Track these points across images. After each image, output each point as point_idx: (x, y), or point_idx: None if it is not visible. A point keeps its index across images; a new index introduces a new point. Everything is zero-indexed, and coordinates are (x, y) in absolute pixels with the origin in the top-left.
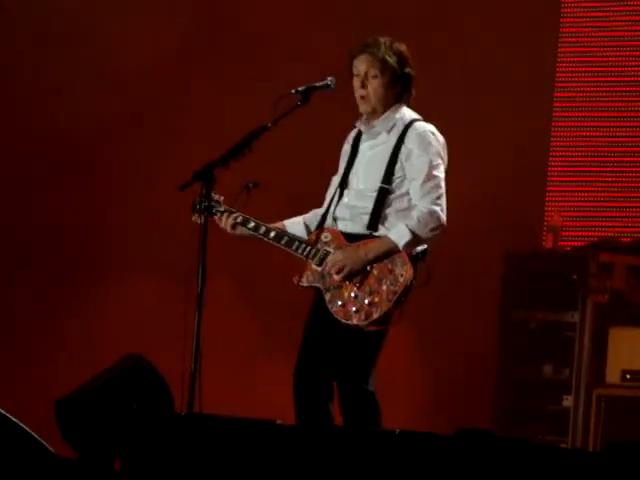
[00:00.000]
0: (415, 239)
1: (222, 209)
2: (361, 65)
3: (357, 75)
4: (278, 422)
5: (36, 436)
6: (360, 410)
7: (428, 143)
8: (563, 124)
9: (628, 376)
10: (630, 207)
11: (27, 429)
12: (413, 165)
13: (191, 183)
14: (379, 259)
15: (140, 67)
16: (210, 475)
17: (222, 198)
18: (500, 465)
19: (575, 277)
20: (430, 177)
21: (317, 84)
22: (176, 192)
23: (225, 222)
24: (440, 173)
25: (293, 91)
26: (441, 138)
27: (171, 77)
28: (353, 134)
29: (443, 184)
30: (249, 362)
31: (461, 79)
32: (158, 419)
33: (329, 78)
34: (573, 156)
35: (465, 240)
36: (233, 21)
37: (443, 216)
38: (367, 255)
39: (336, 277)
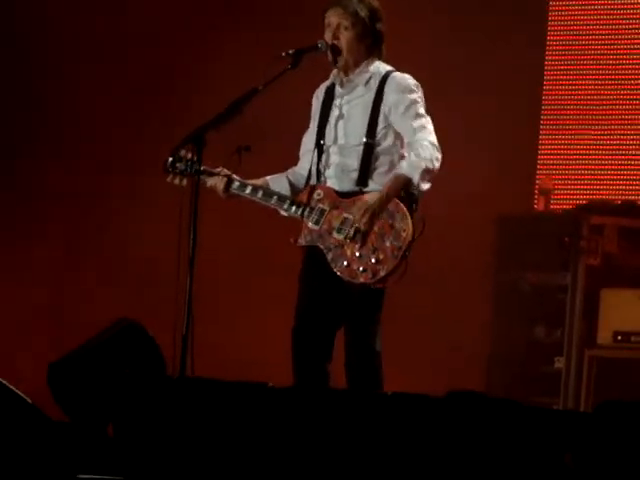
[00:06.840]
0: (426, 170)
1: (202, 170)
2: (333, 17)
3: (328, 26)
4: (270, 385)
5: (27, 399)
6: (365, 368)
7: (409, 89)
8: (554, 86)
9: (619, 337)
10: (621, 169)
11: (19, 393)
12: (398, 111)
13: (182, 146)
14: (398, 194)
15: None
16: (202, 439)
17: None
18: (491, 426)
19: (567, 239)
20: (419, 115)
21: (306, 47)
22: None
23: (217, 184)
24: (426, 115)
25: (283, 54)
26: (417, 83)
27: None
28: (322, 89)
29: (431, 124)
30: (243, 322)
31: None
32: (150, 383)
33: (319, 41)
34: (564, 117)
35: (457, 204)
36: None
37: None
38: (388, 194)
39: (362, 221)
